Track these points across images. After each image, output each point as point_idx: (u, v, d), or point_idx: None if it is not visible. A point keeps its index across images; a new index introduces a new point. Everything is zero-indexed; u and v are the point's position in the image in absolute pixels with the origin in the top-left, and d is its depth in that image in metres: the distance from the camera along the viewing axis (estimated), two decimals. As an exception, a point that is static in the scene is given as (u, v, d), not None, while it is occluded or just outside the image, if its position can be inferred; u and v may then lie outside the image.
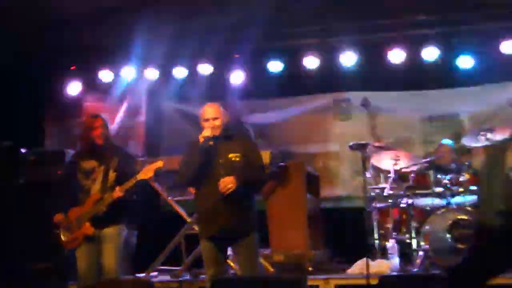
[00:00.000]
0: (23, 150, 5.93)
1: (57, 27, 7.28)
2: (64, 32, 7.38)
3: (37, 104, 8.26)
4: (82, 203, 5.00)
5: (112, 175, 5.03)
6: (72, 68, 8.21)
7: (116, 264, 4.95)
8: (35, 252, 6.20)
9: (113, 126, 8.48)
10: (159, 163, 4.99)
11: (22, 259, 6.35)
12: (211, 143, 4.55)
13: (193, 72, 8.11)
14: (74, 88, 8.35)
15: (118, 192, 4.91)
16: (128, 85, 8.35)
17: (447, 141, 6.87)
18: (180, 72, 8.13)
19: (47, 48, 7.76)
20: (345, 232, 7.47)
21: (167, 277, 6.29)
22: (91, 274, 4.96)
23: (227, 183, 4.44)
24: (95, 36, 7.37)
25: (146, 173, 4.95)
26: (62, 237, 5.04)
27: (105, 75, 8.21)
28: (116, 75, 8.20)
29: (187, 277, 6.22)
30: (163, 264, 6.62)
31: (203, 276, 6.12)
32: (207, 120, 4.62)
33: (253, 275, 4.54)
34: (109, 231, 4.99)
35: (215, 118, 4.62)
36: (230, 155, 4.59)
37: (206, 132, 4.56)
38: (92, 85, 8.35)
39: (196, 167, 4.53)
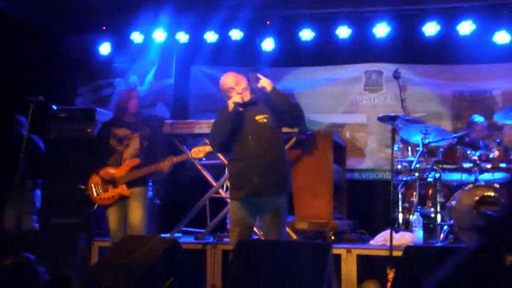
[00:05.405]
0: (54, 107, 6.03)
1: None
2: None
3: (69, 63, 8.33)
4: (117, 165, 5.29)
5: (145, 143, 5.32)
6: (103, 28, 8.24)
7: (142, 221, 5.27)
8: (62, 208, 6.33)
9: (143, 88, 8.55)
10: (210, 148, 5.14)
11: (49, 214, 6.48)
12: (241, 109, 4.57)
13: (224, 37, 8.08)
14: (105, 49, 8.44)
15: (166, 163, 5.16)
16: (158, 48, 8.35)
17: (479, 118, 6.78)
18: (211, 37, 8.10)
19: (79, 7, 7.79)
20: (370, 203, 7.46)
21: (190, 239, 6.36)
22: (121, 230, 5.31)
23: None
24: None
25: (198, 153, 5.19)
26: (94, 194, 5.31)
27: (136, 37, 8.22)
28: (147, 37, 8.21)
29: (210, 239, 6.28)
30: (187, 226, 6.70)
31: (227, 239, 6.22)
32: (232, 88, 4.64)
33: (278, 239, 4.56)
34: (136, 190, 5.30)
35: (237, 84, 4.65)
36: (257, 117, 4.60)
37: (236, 98, 4.57)
38: (123, 46, 8.38)
39: (226, 133, 4.57)
